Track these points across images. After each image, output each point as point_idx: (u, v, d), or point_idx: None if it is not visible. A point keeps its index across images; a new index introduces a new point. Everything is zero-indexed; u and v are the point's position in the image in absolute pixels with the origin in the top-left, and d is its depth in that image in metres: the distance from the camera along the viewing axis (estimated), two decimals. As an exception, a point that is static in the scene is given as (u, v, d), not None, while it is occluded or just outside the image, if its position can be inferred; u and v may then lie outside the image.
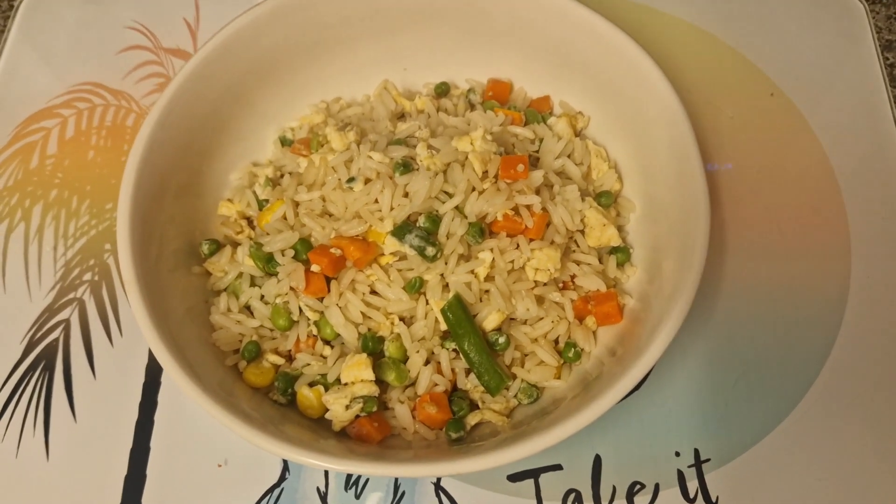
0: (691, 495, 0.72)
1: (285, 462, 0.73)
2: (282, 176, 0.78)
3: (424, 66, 0.85)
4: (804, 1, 0.96)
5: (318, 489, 0.72)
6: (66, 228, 0.86)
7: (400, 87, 0.86)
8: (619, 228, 0.76)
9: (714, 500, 0.71)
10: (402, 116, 0.82)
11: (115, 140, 0.91)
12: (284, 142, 0.82)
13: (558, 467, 0.73)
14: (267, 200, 0.76)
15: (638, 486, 0.72)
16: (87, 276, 0.83)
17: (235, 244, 0.76)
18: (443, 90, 0.84)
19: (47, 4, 0.99)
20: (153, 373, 0.78)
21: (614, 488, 0.72)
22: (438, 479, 0.72)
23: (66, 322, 0.81)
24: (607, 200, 0.75)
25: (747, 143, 0.87)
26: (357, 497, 0.72)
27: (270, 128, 0.84)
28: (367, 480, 0.72)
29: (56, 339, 0.80)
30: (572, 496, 0.72)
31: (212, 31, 0.96)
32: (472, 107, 0.82)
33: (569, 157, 0.76)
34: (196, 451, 0.74)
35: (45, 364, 0.79)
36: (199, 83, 0.74)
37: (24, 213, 0.87)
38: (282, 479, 0.73)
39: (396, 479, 0.72)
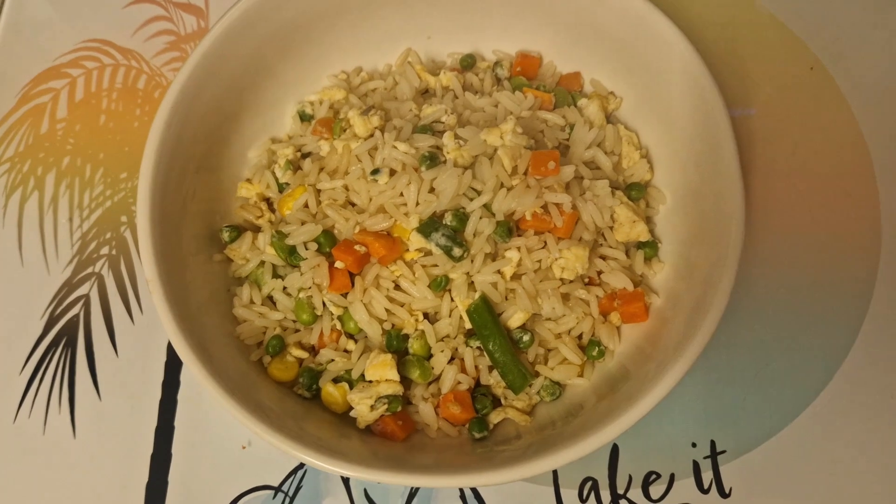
0: (705, 486, 0.73)
1: (308, 445, 0.74)
2: (302, 157, 0.76)
3: (449, 34, 0.81)
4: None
5: (340, 472, 0.74)
6: (80, 199, 0.84)
7: (423, 56, 0.82)
8: (648, 219, 0.74)
9: (728, 491, 0.73)
10: (425, 93, 0.79)
11: (127, 104, 0.88)
12: (304, 117, 0.79)
13: (576, 456, 0.74)
14: (287, 183, 0.74)
15: (654, 476, 0.73)
16: (105, 251, 0.82)
17: (256, 228, 0.75)
18: (468, 63, 0.80)
19: (49, -49, 0.94)
20: (175, 352, 0.78)
21: (630, 477, 0.73)
22: (459, 466, 0.74)
23: (86, 298, 0.80)
24: (637, 193, 0.73)
25: (783, 121, 0.84)
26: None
27: (290, 99, 0.81)
28: (389, 465, 0.74)
29: (76, 315, 0.80)
30: (589, 484, 0.73)
31: (223, -17, 0.92)
32: (499, 82, 0.79)
33: (599, 146, 0.74)
34: (220, 432, 0.75)
35: (66, 340, 0.79)
36: (219, 55, 0.72)
37: (37, 181, 0.85)
38: (304, 461, 0.74)
39: (418, 466, 0.73)
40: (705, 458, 0.74)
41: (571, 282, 0.69)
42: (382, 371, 0.66)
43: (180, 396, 0.77)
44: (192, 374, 0.62)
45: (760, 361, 0.76)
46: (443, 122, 0.71)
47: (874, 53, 0.86)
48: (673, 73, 0.71)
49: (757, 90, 0.85)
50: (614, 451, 0.74)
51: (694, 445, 0.74)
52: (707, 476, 0.73)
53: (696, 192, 0.72)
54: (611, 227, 0.71)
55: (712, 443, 0.74)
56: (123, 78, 0.89)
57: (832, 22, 0.88)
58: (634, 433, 0.73)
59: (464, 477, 0.58)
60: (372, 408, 0.65)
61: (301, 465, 0.74)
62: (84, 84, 0.89)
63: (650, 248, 0.73)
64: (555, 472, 0.74)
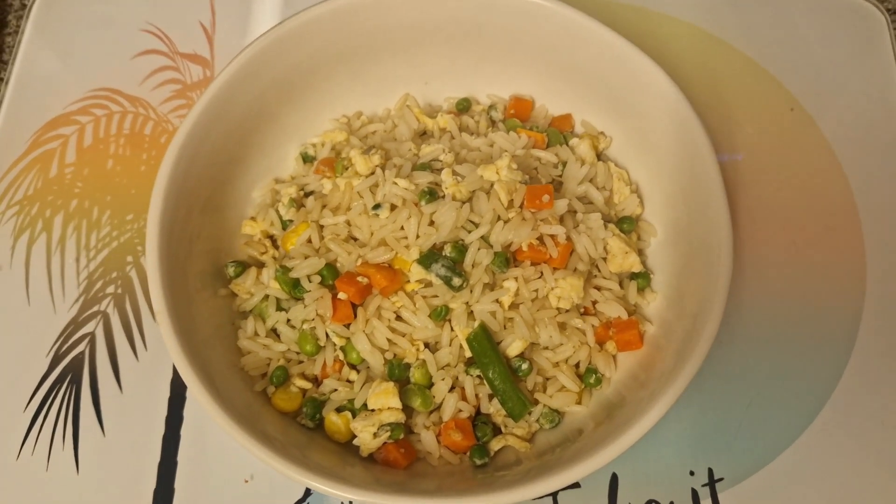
0: (705, 514, 0.74)
1: (311, 478, 0.75)
2: (305, 195, 0.79)
3: (446, 80, 0.85)
4: (825, 12, 0.95)
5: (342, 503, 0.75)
6: (87, 240, 0.86)
7: (421, 101, 0.86)
8: (640, 252, 0.77)
9: (726, 519, 0.74)
10: (423, 134, 0.83)
11: (134, 149, 0.91)
12: (306, 158, 0.82)
13: (577, 486, 0.75)
14: (291, 221, 0.77)
15: (653, 505, 0.74)
16: (111, 289, 0.84)
17: (260, 264, 0.77)
18: (464, 106, 0.84)
19: (60, 7, 0.98)
20: (178, 388, 0.79)
21: (630, 506, 0.74)
22: (460, 497, 0.74)
23: (91, 335, 0.82)
24: (629, 226, 0.76)
25: (766, 159, 0.88)
26: (381, 512, 0.74)
27: (292, 142, 0.84)
28: (391, 497, 0.74)
29: (82, 353, 0.81)
30: (590, 514, 0.74)
31: (228, 35, 0.97)
32: (493, 124, 0.82)
33: (591, 181, 0.77)
34: (223, 466, 0.76)
35: (71, 377, 0.80)
36: (224, 101, 0.74)
37: (45, 223, 0.87)
38: (307, 493, 0.75)
39: (419, 497, 0.74)
40: (703, 485, 0.75)
41: (567, 311, 0.71)
42: (385, 399, 0.67)
43: (183, 432, 0.78)
44: (199, 402, 0.63)
45: (753, 390, 0.78)
46: (441, 161, 0.74)
47: (850, 93, 0.91)
48: (660, 113, 0.75)
49: (739, 130, 0.89)
50: (614, 480, 0.75)
51: (692, 473, 0.76)
52: (706, 504, 0.74)
53: (686, 226, 0.75)
54: (604, 259, 0.74)
55: (710, 470, 0.75)
56: (131, 124, 0.92)
57: (809, 64, 0.92)
58: (632, 461, 0.76)
59: (464, 500, 0.59)
60: (375, 435, 0.67)
61: (303, 499, 0.75)
62: (93, 130, 0.92)
63: (643, 278, 0.75)
64: (556, 503, 0.75)
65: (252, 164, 0.81)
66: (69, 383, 0.80)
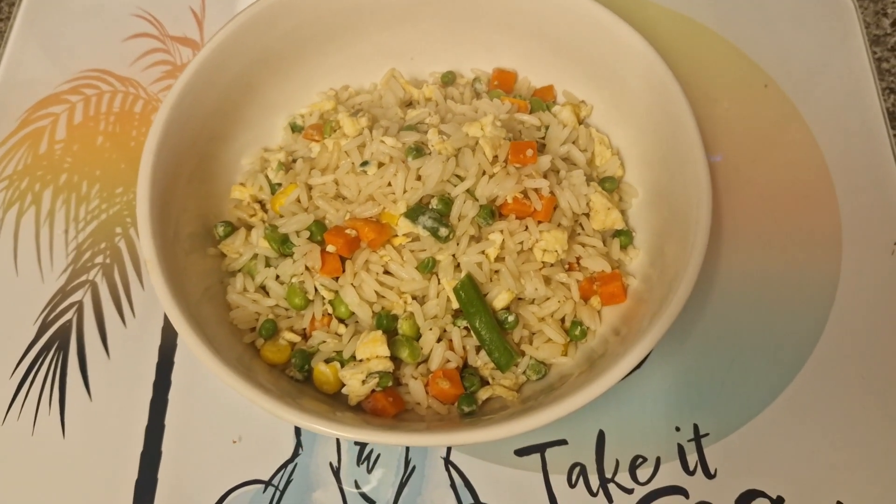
0: (691, 468, 0.74)
1: (298, 438, 0.75)
2: (294, 161, 0.80)
3: (431, 56, 0.87)
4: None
5: (330, 464, 0.74)
6: (76, 212, 0.87)
7: (407, 76, 0.88)
8: (622, 213, 0.79)
9: (713, 472, 0.74)
10: (410, 104, 0.84)
11: (124, 126, 0.92)
12: (294, 128, 0.84)
13: (563, 442, 0.75)
14: (279, 184, 0.78)
15: (640, 460, 0.75)
16: (99, 259, 0.84)
17: (249, 227, 0.78)
18: (449, 79, 0.86)
19: (54, -9, 1.00)
20: (166, 353, 0.79)
21: (617, 462, 0.75)
22: (448, 454, 0.74)
23: (79, 304, 0.82)
24: (611, 185, 0.78)
25: (742, 132, 0.90)
26: (369, 471, 0.74)
27: (280, 115, 0.86)
28: (379, 455, 0.75)
29: (69, 321, 0.81)
30: (577, 469, 0.75)
31: (218, 20, 0.99)
32: (478, 95, 0.85)
33: (573, 143, 0.79)
34: (210, 429, 0.76)
35: (58, 344, 0.80)
36: (210, 72, 0.76)
37: (34, 196, 0.88)
38: (295, 454, 0.75)
39: (407, 454, 0.74)
40: (689, 441, 0.76)
41: (552, 265, 0.73)
42: (373, 347, 0.68)
43: (171, 396, 0.78)
44: (190, 348, 0.63)
45: (736, 349, 0.80)
46: (426, 123, 0.76)
47: (821, 71, 0.94)
48: (639, 79, 0.77)
49: (716, 105, 0.92)
50: (601, 437, 0.76)
51: (678, 430, 0.76)
52: (692, 458, 0.75)
53: (667, 187, 0.77)
54: (587, 215, 0.76)
55: (695, 426, 0.76)
56: (121, 103, 0.93)
57: (781, 46, 0.95)
58: (618, 418, 0.76)
59: (452, 435, 0.60)
60: (363, 382, 0.67)
61: (291, 459, 0.75)
62: (83, 109, 0.93)
63: (625, 236, 0.77)
64: (543, 459, 0.75)
65: (240, 135, 0.83)
66: (56, 350, 0.80)
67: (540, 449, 0.75)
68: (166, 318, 0.81)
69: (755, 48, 0.96)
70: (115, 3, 1.00)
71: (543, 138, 0.79)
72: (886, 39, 0.98)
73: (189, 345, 0.63)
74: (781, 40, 0.96)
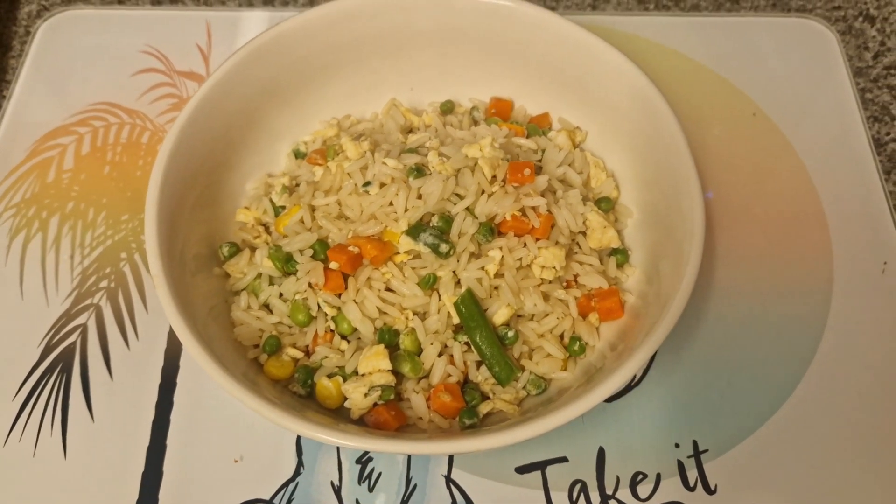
0: (691, 484, 0.75)
1: (300, 457, 0.75)
2: (297, 185, 0.82)
3: (430, 86, 0.90)
4: (782, 32, 1.03)
5: (332, 483, 0.75)
6: (82, 238, 0.88)
7: (407, 105, 0.91)
8: (619, 232, 0.80)
9: (713, 488, 0.75)
10: (410, 131, 0.87)
11: (131, 156, 0.94)
12: (298, 154, 0.86)
13: (564, 459, 0.76)
14: (283, 207, 0.80)
15: (641, 476, 0.75)
16: (104, 284, 0.86)
17: (253, 248, 0.79)
18: (448, 108, 0.89)
19: (64, 29, 1.04)
20: (169, 374, 0.80)
21: (618, 478, 0.75)
22: (449, 472, 0.75)
23: (83, 326, 0.83)
24: (607, 205, 0.80)
25: (732, 158, 0.93)
26: (370, 490, 0.74)
27: (284, 143, 0.88)
28: (381, 474, 0.75)
29: (73, 343, 0.82)
30: (578, 486, 0.75)
31: (223, 55, 1.02)
32: (476, 123, 0.87)
33: (569, 165, 0.81)
34: (212, 448, 0.76)
35: (62, 366, 0.80)
36: (215, 102, 0.78)
37: (41, 223, 0.89)
38: (296, 473, 0.75)
39: (409, 472, 0.74)
40: (689, 457, 0.76)
41: (550, 282, 0.74)
42: (375, 361, 0.69)
43: (173, 416, 0.78)
44: (194, 359, 0.64)
45: (734, 366, 0.81)
46: (426, 147, 0.79)
47: (807, 98, 0.97)
48: (631, 105, 0.79)
49: (707, 132, 0.95)
50: (601, 454, 0.76)
51: (677, 446, 0.77)
52: (692, 474, 0.75)
53: (660, 208, 0.79)
54: (584, 234, 0.77)
55: (694, 443, 0.77)
56: (128, 134, 0.96)
57: (768, 76, 0.99)
58: (618, 435, 0.77)
59: (453, 443, 0.61)
60: (365, 395, 0.68)
61: (292, 478, 0.75)
62: (91, 140, 0.95)
63: (621, 254, 0.78)
64: (544, 477, 0.75)
65: (245, 161, 0.85)
66: (59, 372, 0.80)
67: (541, 466, 0.75)
68: (170, 340, 0.82)
69: (742, 80, 0.99)
70: (124, 41, 1.03)
71: (540, 161, 0.81)
72: (869, 71, 1.01)
73: (194, 357, 0.64)
74: (768, 72, 1.00)
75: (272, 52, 0.81)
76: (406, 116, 0.87)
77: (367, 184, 0.75)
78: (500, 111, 0.88)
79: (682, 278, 0.68)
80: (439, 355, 0.71)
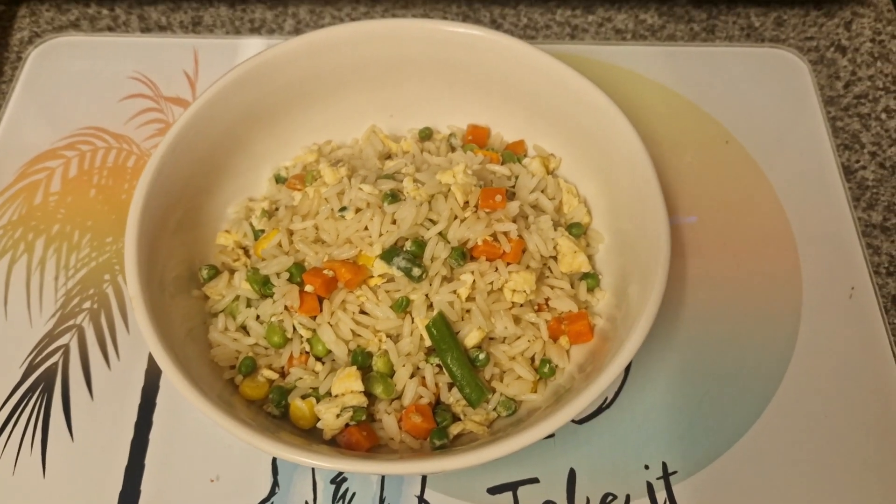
0: (660, 505, 0.76)
1: (275, 476, 0.77)
2: (277, 209, 0.84)
3: (409, 113, 0.93)
4: (755, 61, 1.06)
5: (306, 502, 0.76)
6: (67, 260, 0.90)
7: (386, 132, 0.93)
8: (590, 257, 0.82)
9: (682, 509, 0.76)
10: (388, 157, 0.89)
11: (116, 179, 0.96)
12: (279, 179, 0.88)
13: (535, 480, 0.77)
14: (263, 231, 0.82)
15: (610, 497, 0.76)
16: (87, 305, 0.87)
17: (232, 271, 0.81)
18: (426, 134, 0.91)
19: (55, 56, 1.06)
20: (149, 394, 0.81)
21: (588, 499, 0.76)
22: (422, 492, 0.76)
23: (66, 347, 0.84)
24: (578, 231, 0.82)
25: (704, 184, 0.95)
26: (344, 510, 0.75)
27: (265, 167, 0.90)
28: (354, 494, 0.76)
29: (55, 363, 0.83)
30: (549, 507, 0.76)
31: (210, 80, 1.04)
32: (453, 149, 0.89)
33: (542, 192, 0.83)
34: (189, 468, 0.77)
35: (43, 386, 0.82)
36: (198, 127, 0.80)
37: (27, 245, 0.91)
38: (272, 493, 0.76)
39: (382, 492, 0.76)
40: (658, 478, 0.77)
41: (521, 306, 0.76)
42: (348, 383, 0.70)
43: (152, 436, 0.79)
44: (171, 381, 0.65)
45: (703, 389, 0.82)
46: (402, 173, 0.81)
47: (777, 128, 1.00)
48: (603, 134, 0.82)
49: (679, 160, 0.97)
50: (571, 475, 0.77)
51: (647, 467, 0.78)
52: (661, 496, 0.77)
53: (630, 234, 0.80)
54: (555, 259, 0.79)
55: (664, 464, 0.78)
56: (115, 158, 0.98)
57: (740, 104, 1.02)
58: (589, 457, 0.78)
59: (424, 463, 0.62)
60: (338, 416, 0.69)
61: (268, 498, 0.76)
62: (78, 163, 0.97)
63: (592, 279, 0.80)
64: (515, 498, 0.76)
65: (226, 186, 0.87)
66: (41, 392, 0.82)
67: (512, 487, 0.77)
68: (150, 361, 0.83)
69: (715, 108, 1.01)
70: (113, 67, 1.06)
71: (513, 187, 0.83)
72: (840, 100, 1.04)
73: (170, 378, 0.65)
74: (740, 100, 1.02)
75: (256, 79, 0.83)
76: (385, 143, 0.89)
77: (343, 209, 0.77)
78: (477, 138, 0.91)
79: (648, 300, 0.69)
80: (411, 377, 0.73)
